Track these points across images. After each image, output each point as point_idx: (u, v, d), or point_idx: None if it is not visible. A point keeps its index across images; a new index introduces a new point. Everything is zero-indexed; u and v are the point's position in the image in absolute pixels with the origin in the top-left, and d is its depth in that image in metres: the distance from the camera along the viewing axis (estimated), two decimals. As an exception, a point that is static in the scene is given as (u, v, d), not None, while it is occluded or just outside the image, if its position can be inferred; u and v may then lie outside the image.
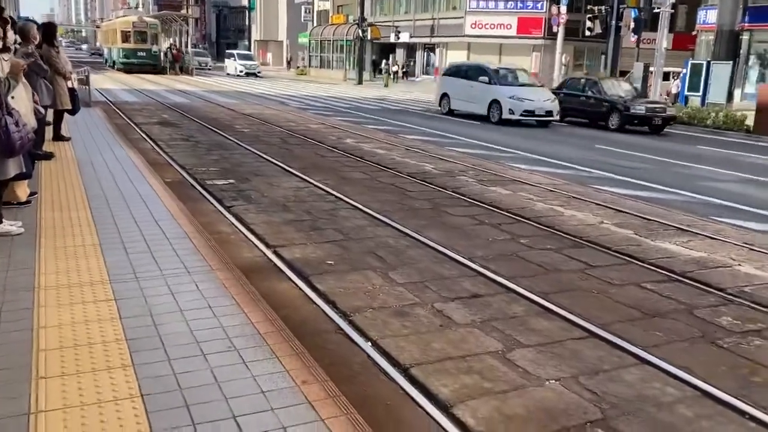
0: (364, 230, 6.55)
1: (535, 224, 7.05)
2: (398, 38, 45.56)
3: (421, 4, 48.63)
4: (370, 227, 6.68)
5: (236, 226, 6.42)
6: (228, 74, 45.71)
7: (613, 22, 23.40)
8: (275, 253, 5.66)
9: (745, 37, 28.12)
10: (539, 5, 40.39)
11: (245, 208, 7.26)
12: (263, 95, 27.48)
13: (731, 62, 24.19)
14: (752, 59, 28.82)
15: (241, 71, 45.36)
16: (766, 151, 14.88)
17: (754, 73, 29.41)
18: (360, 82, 42.49)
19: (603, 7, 24.47)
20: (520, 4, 40.95)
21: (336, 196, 8.00)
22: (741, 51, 27.99)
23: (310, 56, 59.59)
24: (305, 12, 63.63)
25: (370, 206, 7.51)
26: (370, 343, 3.97)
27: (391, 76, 42.81)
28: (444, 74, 22.23)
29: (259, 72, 47.04)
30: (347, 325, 4.19)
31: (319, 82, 43.68)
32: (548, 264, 5.72)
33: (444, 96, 21.16)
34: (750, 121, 18.42)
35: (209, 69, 51.54)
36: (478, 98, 19.21)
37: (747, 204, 8.89)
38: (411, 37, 48.03)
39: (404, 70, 48.26)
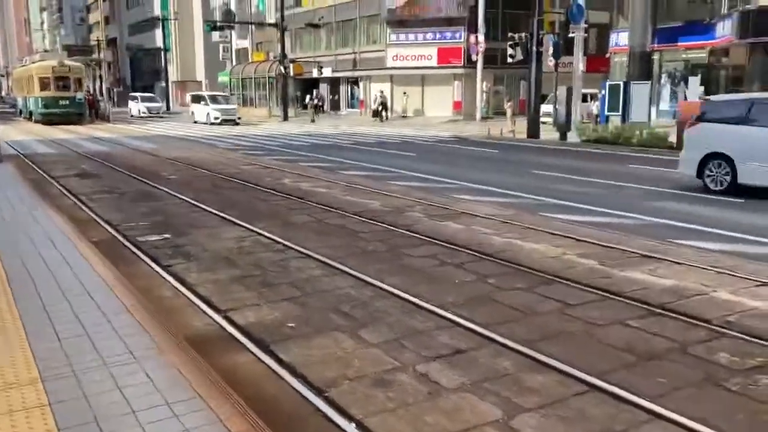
0: (321, 282, 6.04)
1: (498, 261, 6.71)
2: (321, 73, 45.43)
3: (341, 40, 48.77)
4: (327, 278, 6.17)
5: (178, 290, 5.79)
6: (196, 122, 38.69)
7: (534, 48, 23.81)
8: (227, 318, 5.08)
9: (656, 57, 29.35)
10: (458, 35, 41.11)
11: (185, 266, 6.62)
12: (186, 138, 26.57)
13: (649, 82, 25.03)
14: (664, 78, 30.11)
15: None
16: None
17: (666, 92, 30.71)
18: (286, 118, 41.96)
19: (524, 34, 24.92)
20: (439, 35, 41.57)
21: (284, 245, 7.46)
22: (653, 71, 29.15)
23: (231, 95, 58.70)
24: (223, 51, 62.81)
25: (322, 252, 7.00)
26: (354, 425, 3.46)
27: (314, 111, 42.43)
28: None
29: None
30: (325, 404, 3.67)
31: (246, 121, 42.87)
32: (524, 306, 5.36)
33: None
34: (673, 138, 18.93)
35: (160, 116, 49.33)
36: None
37: (695, 223, 8.87)
38: (334, 71, 47.99)
39: (319, 103, 47.42)
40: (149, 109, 46.86)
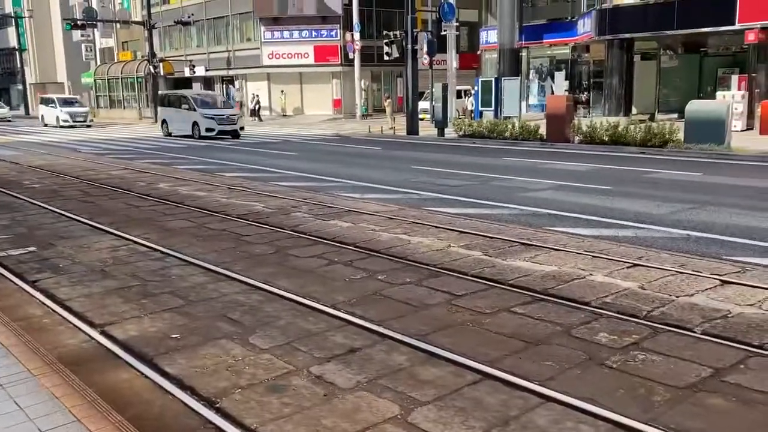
0: (206, 289, 5.79)
1: (387, 257, 6.73)
2: (194, 72, 43.97)
3: (214, 37, 47.40)
4: (212, 284, 5.93)
5: (48, 306, 5.35)
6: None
7: (409, 46, 24.24)
8: (104, 333, 4.75)
9: (523, 54, 30.77)
10: (333, 33, 41.14)
11: (55, 280, 6.14)
12: (51, 143, 24.84)
13: (518, 78, 26.19)
14: (532, 73, 31.64)
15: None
16: (561, 157, 16.07)
17: (534, 86, 32.30)
18: (157, 120, 40.25)
19: (399, 32, 25.30)
20: (315, 33, 41.40)
21: (163, 252, 7.10)
22: (522, 67, 30.55)
23: (97, 96, 55.60)
24: (86, 50, 59.28)
25: (206, 259, 6.73)
26: (250, 435, 3.32)
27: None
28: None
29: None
30: (216, 416, 3.49)
31: (113, 123, 40.73)
32: (414, 300, 5.39)
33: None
34: (543, 131, 19.92)
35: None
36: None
37: (568, 210, 9.33)
38: (207, 70, 46.58)
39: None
40: (73, 117, 36.03)
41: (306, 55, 41.65)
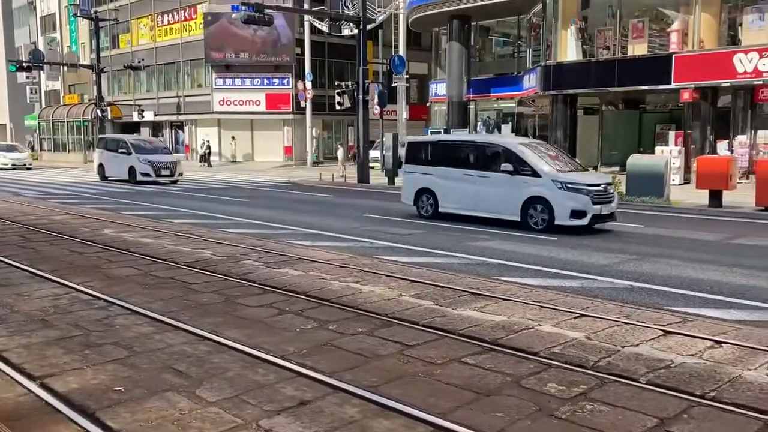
0: (152, 339, 5.63)
1: (338, 306, 6.70)
2: (142, 117, 43.58)
3: (164, 82, 47.26)
4: (158, 334, 5.77)
5: (-17, 358, 5.11)
6: None
7: (360, 96, 24.65)
8: (44, 386, 4.55)
9: (471, 106, 31.61)
10: (285, 81, 41.54)
11: (-9, 330, 5.88)
12: (-11, 185, 24.06)
13: (467, 129, 26.83)
14: (479, 125, 32.45)
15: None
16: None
17: (482, 138, 33.04)
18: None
19: (350, 83, 25.75)
20: (266, 81, 41.71)
21: (107, 301, 6.89)
22: (470, 118, 31.35)
23: (41, 139, 54.40)
24: (31, 92, 58.28)
25: (152, 308, 6.57)
26: (197, 493, 3.21)
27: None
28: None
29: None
30: (162, 473, 3.37)
31: (56, 166, 39.78)
32: (366, 351, 5.36)
33: None
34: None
35: None
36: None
37: (515, 260, 9.50)
38: (156, 115, 46.26)
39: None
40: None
41: (257, 103, 41.86)
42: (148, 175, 24.12)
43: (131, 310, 6.51)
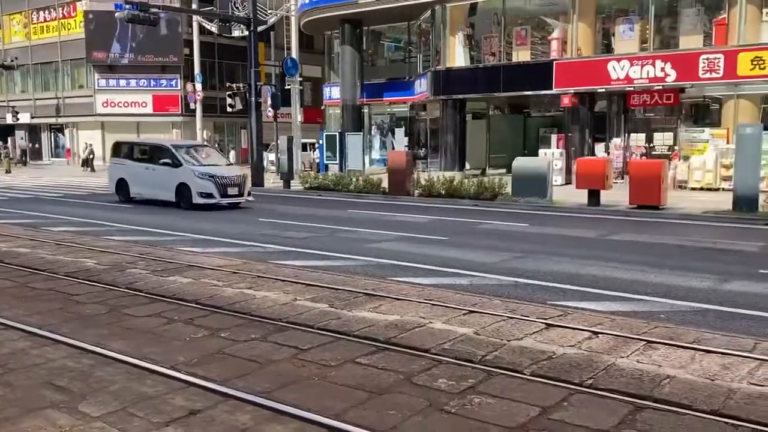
0: (28, 354, 5.31)
1: (230, 313, 6.58)
2: (17, 119, 40.88)
3: (41, 83, 44.62)
4: (36, 349, 5.45)
5: None
6: None
7: (253, 98, 24.29)
8: None
9: (365, 110, 31.90)
10: (173, 83, 40.31)
11: None
12: None
13: (361, 133, 27.04)
14: (374, 129, 32.81)
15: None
16: (402, 209, 16.71)
17: (376, 141, 33.48)
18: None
19: (242, 85, 25.31)
20: (153, 83, 40.28)
21: (-23, 316, 6.43)
22: (364, 122, 31.62)
23: None
24: None
25: (28, 321, 6.20)
26: None
27: (10, 161, 37.92)
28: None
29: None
30: (40, 495, 3.19)
31: None
32: (259, 356, 5.30)
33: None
34: (385, 184, 20.64)
35: None
36: None
37: (409, 260, 9.70)
38: (33, 117, 43.55)
39: (21, 156, 42.96)
40: None
41: (144, 104, 40.38)
42: (210, 196, 16.86)
43: (5, 325, 6.11)
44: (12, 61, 38.53)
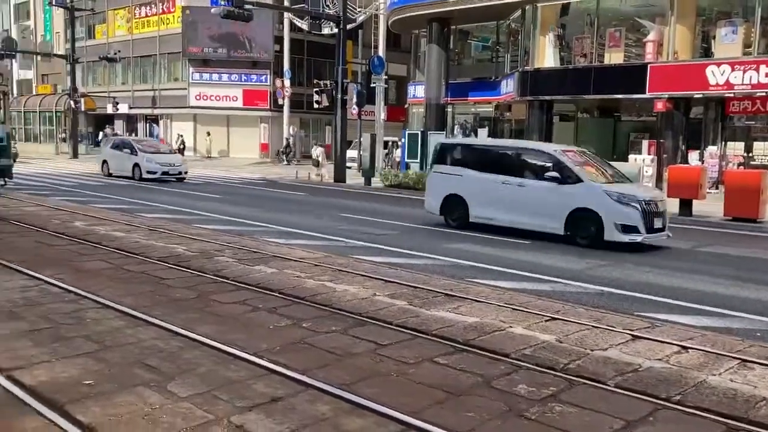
0: (123, 334, 5.59)
1: (312, 304, 6.70)
2: (117, 109, 42.97)
3: (140, 75, 46.74)
4: (130, 329, 5.72)
5: (-51, 349, 5.03)
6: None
7: (339, 96, 24.62)
8: (11, 378, 4.50)
9: (449, 109, 31.73)
10: (263, 78, 41.32)
11: (-43, 321, 5.78)
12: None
13: (444, 132, 26.90)
14: (456, 129, 32.57)
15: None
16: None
17: (459, 141, 33.20)
18: (75, 155, 38.96)
19: (329, 82, 25.71)
20: (244, 77, 41.45)
21: (77, 294, 6.81)
22: (447, 122, 31.47)
23: (11, 129, 53.38)
24: (1, 81, 57.12)
25: (123, 302, 6.51)
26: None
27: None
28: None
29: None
30: (131, 468, 3.35)
31: (27, 157, 39.07)
32: (339, 349, 5.38)
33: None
34: (466, 184, 20.48)
35: None
36: None
37: (490, 263, 9.58)
38: (131, 107, 45.69)
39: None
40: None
41: (235, 99, 41.58)
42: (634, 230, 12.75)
43: (102, 304, 6.45)
44: (115, 54, 40.53)
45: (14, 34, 52.58)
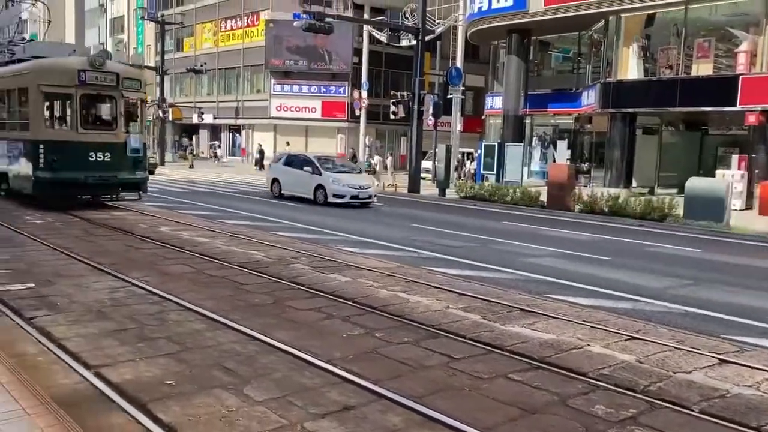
0: (203, 336, 5.77)
1: (384, 314, 6.72)
2: (202, 119, 44.61)
3: (224, 86, 48.38)
4: (209, 332, 5.90)
5: (43, 344, 5.32)
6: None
7: (415, 107, 24.71)
8: (98, 375, 4.71)
9: (527, 121, 31.30)
10: (342, 90, 41.99)
11: (52, 318, 6.11)
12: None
13: (522, 144, 26.55)
14: (534, 140, 32.09)
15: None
16: (563, 225, 16.18)
17: (536, 153, 32.70)
18: (162, 163, 40.60)
19: (406, 93, 25.88)
20: (323, 89, 42.24)
21: (161, 296, 7.09)
22: (525, 133, 31.04)
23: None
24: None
25: (204, 305, 6.72)
26: (241, 489, 3.27)
27: (193, 156, 41.60)
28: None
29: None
30: (208, 467, 3.44)
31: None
32: (411, 360, 5.37)
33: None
34: (544, 197, 20.11)
35: None
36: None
37: (567, 278, 9.36)
38: (215, 118, 47.34)
39: (214, 151, 47.09)
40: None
41: (314, 110, 42.42)
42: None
43: (184, 307, 6.68)
44: (201, 66, 42.17)
45: (109, 47, 55.51)
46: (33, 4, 30.45)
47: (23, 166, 14.56)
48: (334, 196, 18.69)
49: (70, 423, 3.59)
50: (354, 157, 38.60)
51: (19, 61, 15.85)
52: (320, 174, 19.17)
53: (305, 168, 19.70)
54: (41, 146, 13.87)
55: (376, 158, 28.71)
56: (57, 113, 15.74)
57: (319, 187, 19.07)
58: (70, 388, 4.46)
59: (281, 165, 21.22)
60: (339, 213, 17.13)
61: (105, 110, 15.15)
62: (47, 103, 14.98)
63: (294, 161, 20.81)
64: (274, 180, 21.07)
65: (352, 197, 18.82)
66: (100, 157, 14.21)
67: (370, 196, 19.34)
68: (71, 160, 13.81)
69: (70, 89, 14.01)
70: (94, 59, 14.38)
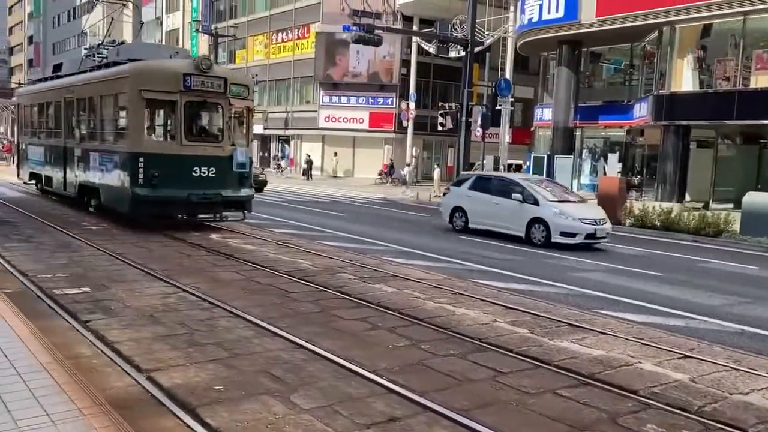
0: (251, 343, 5.85)
1: (431, 326, 6.70)
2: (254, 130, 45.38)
3: (274, 97, 49.15)
4: (257, 338, 5.98)
5: (98, 347, 5.48)
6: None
7: (464, 118, 24.65)
8: (150, 379, 4.82)
9: (577, 133, 30.86)
10: (389, 101, 42.14)
11: (106, 322, 6.29)
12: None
13: (572, 156, 26.17)
14: (585, 153, 31.60)
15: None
16: (612, 239, 15.81)
17: (587, 165, 32.20)
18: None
19: (454, 104, 25.84)
20: (371, 100, 42.47)
21: (211, 302, 7.22)
22: (575, 145, 30.60)
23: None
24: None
25: (252, 312, 6.82)
26: (287, 497, 3.29)
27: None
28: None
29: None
30: (255, 473, 3.48)
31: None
32: (457, 373, 5.33)
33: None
34: (594, 211, 19.76)
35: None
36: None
37: (617, 294, 9.17)
38: (265, 128, 48.09)
39: (277, 163, 47.84)
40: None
41: (361, 120, 42.68)
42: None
43: (233, 314, 6.78)
44: (253, 77, 42.97)
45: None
46: (124, 4, 31.01)
47: (118, 181, 12.95)
48: (561, 234, 13.74)
49: (123, 425, 3.68)
50: (392, 168, 38.67)
51: (115, 64, 13.87)
52: (537, 204, 14.19)
53: (513, 196, 14.63)
54: (141, 159, 12.28)
55: (406, 168, 28.20)
56: (158, 122, 14.20)
57: (536, 221, 14.15)
58: (124, 390, 4.58)
59: (467, 189, 16.10)
60: (385, 223, 17.09)
61: (211, 119, 13.70)
62: (148, 111, 13.24)
63: (488, 185, 15.73)
64: (457, 209, 16.19)
65: (588, 236, 13.78)
66: (204, 173, 12.67)
67: (607, 234, 14.32)
68: (173, 175, 12.33)
69: (174, 95, 12.39)
70: (200, 62, 12.75)
